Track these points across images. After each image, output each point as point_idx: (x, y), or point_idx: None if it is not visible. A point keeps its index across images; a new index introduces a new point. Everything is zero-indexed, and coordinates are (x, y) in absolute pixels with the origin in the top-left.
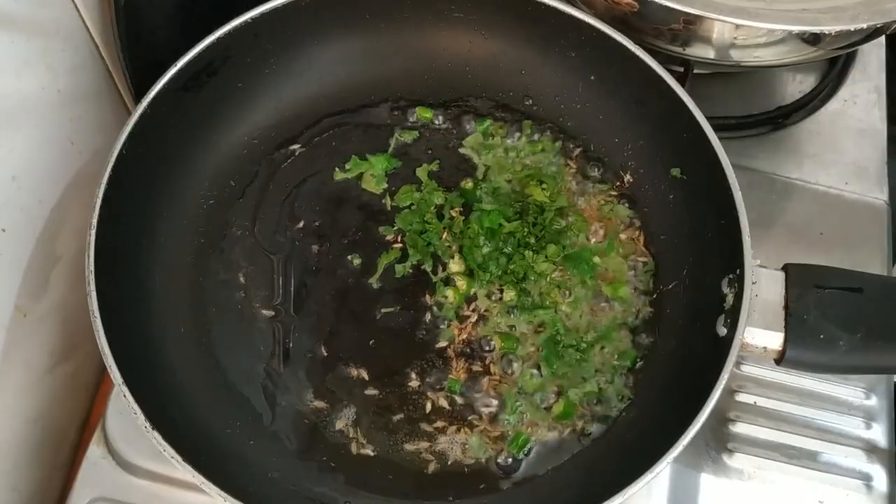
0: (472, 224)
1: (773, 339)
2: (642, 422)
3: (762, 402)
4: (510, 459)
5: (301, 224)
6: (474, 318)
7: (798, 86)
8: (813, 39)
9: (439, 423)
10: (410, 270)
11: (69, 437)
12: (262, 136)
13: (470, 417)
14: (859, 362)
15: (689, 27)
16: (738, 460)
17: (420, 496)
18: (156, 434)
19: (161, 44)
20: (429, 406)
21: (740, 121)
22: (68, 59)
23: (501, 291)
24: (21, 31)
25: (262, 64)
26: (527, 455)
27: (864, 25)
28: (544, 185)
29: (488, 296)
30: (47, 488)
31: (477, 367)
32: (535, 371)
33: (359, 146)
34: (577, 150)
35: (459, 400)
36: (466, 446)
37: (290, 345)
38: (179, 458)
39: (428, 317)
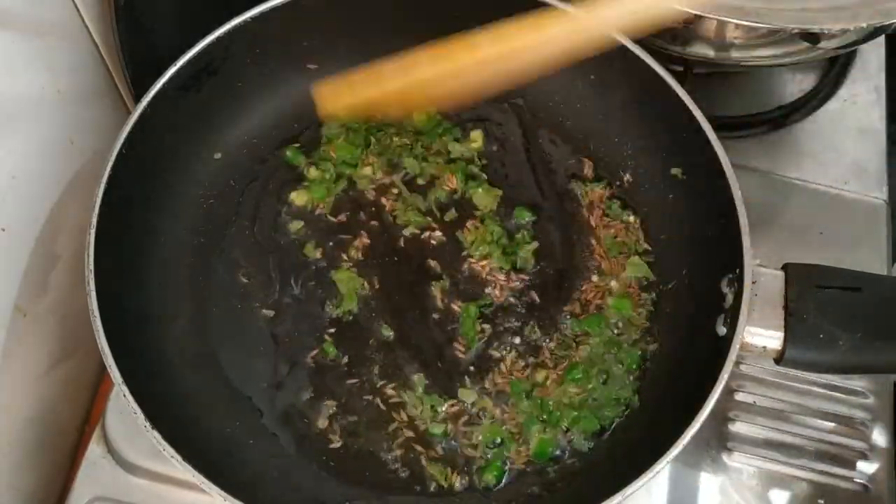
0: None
1: (773, 339)
2: (642, 421)
3: (762, 401)
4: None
5: (301, 224)
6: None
7: (798, 86)
8: (813, 39)
9: (439, 425)
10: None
11: (69, 437)
12: (262, 136)
13: (471, 418)
14: (859, 362)
15: (688, 26)
16: (737, 460)
17: (420, 496)
18: (155, 433)
19: (161, 44)
20: (429, 408)
21: (740, 121)
22: (68, 58)
23: None
24: (21, 31)
25: (262, 64)
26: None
27: (864, 25)
28: None
29: None
30: (47, 487)
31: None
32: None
33: None
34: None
35: (462, 405)
36: (466, 448)
37: (290, 344)
38: (179, 458)
39: (430, 319)
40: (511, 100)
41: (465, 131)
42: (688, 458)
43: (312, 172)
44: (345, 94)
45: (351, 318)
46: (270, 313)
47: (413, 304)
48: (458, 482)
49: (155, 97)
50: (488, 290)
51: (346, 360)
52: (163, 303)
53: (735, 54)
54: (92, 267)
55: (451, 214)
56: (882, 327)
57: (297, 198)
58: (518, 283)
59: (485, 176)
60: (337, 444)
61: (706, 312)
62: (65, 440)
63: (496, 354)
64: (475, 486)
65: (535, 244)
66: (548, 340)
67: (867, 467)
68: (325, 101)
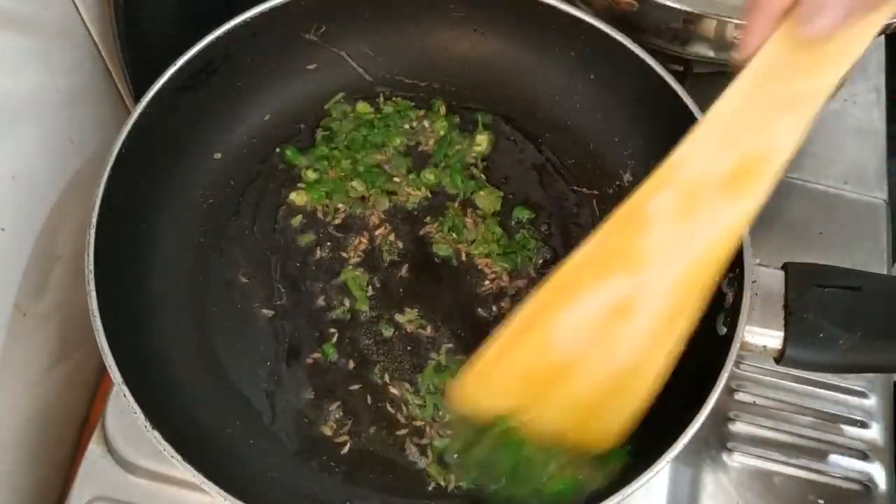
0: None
1: (773, 338)
2: (642, 421)
3: (761, 401)
4: None
5: (301, 223)
6: None
7: None
8: None
9: (433, 429)
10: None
11: (69, 436)
12: (262, 136)
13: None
14: (859, 361)
15: (688, 26)
16: (737, 459)
17: (420, 496)
18: (155, 433)
19: (161, 43)
20: (430, 410)
21: None
22: (68, 58)
23: None
24: (21, 31)
25: (262, 63)
26: None
27: None
28: None
29: None
30: (47, 487)
31: None
32: None
33: None
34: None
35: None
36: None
37: (290, 344)
38: (179, 458)
39: (432, 319)
40: (510, 100)
41: (471, 134)
42: (688, 458)
43: (310, 175)
44: (478, 382)
45: (351, 317)
46: (270, 313)
47: (414, 304)
48: (455, 483)
49: (155, 97)
50: (489, 290)
51: (346, 360)
52: (163, 302)
53: (735, 54)
54: (92, 267)
55: (454, 211)
56: (882, 326)
57: (297, 198)
58: (519, 283)
59: (484, 177)
60: (337, 445)
61: (706, 312)
62: (65, 440)
63: None
64: (474, 487)
65: (534, 244)
66: None
67: (867, 467)
68: (459, 397)
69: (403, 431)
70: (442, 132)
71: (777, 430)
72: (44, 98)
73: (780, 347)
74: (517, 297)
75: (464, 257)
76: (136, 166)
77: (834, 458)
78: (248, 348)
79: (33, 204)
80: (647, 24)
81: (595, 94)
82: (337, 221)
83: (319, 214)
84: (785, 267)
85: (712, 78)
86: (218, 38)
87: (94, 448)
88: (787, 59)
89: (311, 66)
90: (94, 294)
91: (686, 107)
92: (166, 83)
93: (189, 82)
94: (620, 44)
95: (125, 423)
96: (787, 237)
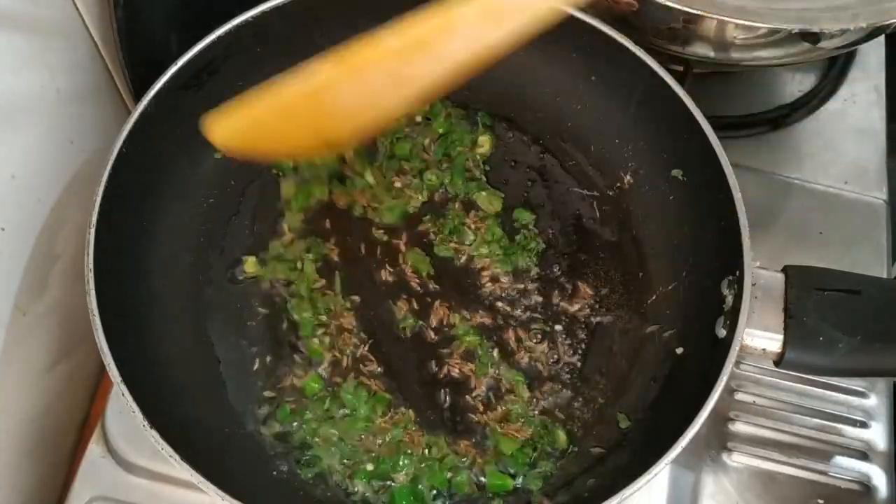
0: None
1: (773, 341)
2: (642, 422)
3: (761, 401)
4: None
5: (301, 223)
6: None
7: (798, 85)
8: (813, 39)
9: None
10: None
11: (69, 436)
12: None
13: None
14: (858, 365)
15: (688, 26)
16: (737, 460)
17: None
18: (154, 433)
19: (161, 43)
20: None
21: (740, 121)
22: (68, 58)
23: None
24: (21, 31)
25: (263, 63)
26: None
27: (864, 24)
28: None
29: None
30: (47, 487)
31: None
32: None
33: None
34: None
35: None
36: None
37: (290, 343)
38: (178, 457)
39: (434, 320)
40: (511, 101)
41: (472, 135)
42: (687, 458)
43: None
44: (236, 117)
45: (350, 318)
46: (269, 312)
47: (414, 305)
48: None
49: (155, 96)
50: (490, 291)
51: (345, 360)
52: (162, 302)
53: (735, 54)
54: (91, 266)
55: (455, 212)
56: (881, 330)
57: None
58: (520, 284)
59: (485, 178)
60: None
61: (706, 314)
62: (64, 440)
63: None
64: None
65: (535, 245)
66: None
67: (867, 467)
68: (215, 129)
69: (400, 433)
70: (441, 131)
71: (777, 430)
72: (44, 98)
73: (779, 350)
74: (518, 299)
75: (464, 258)
76: (136, 166)
77: (833, 458)
78: (248, 347)
79: (33, 203)
80: (647, 24)
81: (595, 94)
82: (333, 222)
83: (319, 213)
84: (785, 270)
85: (712, 78)
86: (219, 38)
87: (94, 448)
88: None
89: None
90: (93, 294)
91: (686, 107)
92: (167, 83)
93: (190, 82)
94: (621, 44)
95: (125, 423)
96: (787, 237)
